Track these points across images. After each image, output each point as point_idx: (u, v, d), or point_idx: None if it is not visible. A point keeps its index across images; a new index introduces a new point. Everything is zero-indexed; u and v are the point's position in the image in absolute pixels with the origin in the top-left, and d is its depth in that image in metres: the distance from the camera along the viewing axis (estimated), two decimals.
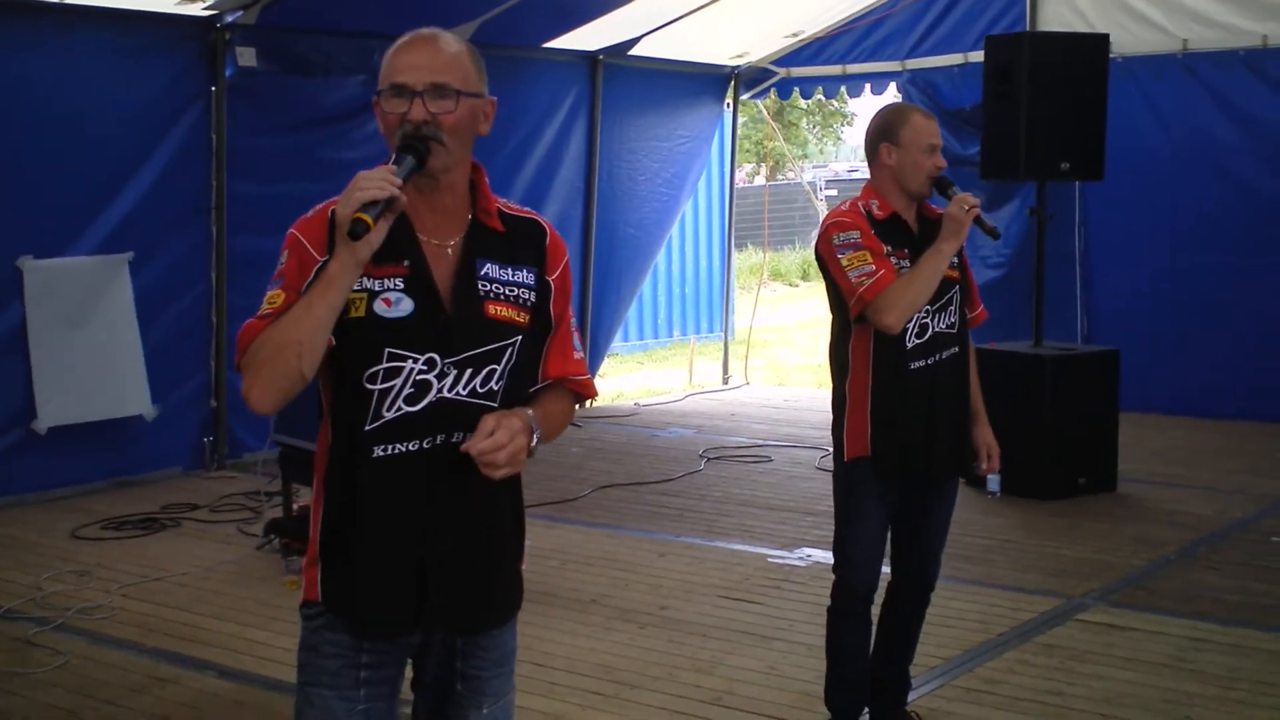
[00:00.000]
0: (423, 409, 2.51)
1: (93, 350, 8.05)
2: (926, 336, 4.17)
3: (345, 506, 2.55)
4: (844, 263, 4.10)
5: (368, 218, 2.37)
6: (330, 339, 2.45)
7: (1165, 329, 10.36)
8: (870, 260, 4.07)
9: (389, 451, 2.52)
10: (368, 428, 2.51)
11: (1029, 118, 8.05)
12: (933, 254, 4.10)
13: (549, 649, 5.35)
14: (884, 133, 4.20)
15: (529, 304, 2.62)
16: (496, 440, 2.43)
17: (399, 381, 2.50)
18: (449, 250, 2.58)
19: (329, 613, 2.58)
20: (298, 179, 8.87)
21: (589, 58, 10.97)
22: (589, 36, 10.47)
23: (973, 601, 6.00)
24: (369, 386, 2.50)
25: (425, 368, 2.50)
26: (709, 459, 9.22)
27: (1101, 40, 8.44)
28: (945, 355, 4.22)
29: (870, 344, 4.20)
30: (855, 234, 4.12)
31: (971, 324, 4.39)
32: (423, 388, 2.51)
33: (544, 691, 4.91)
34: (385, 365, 2.49)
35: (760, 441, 9.85)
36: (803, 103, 15.11)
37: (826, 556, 6.67)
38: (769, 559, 6.77)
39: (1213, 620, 5.76)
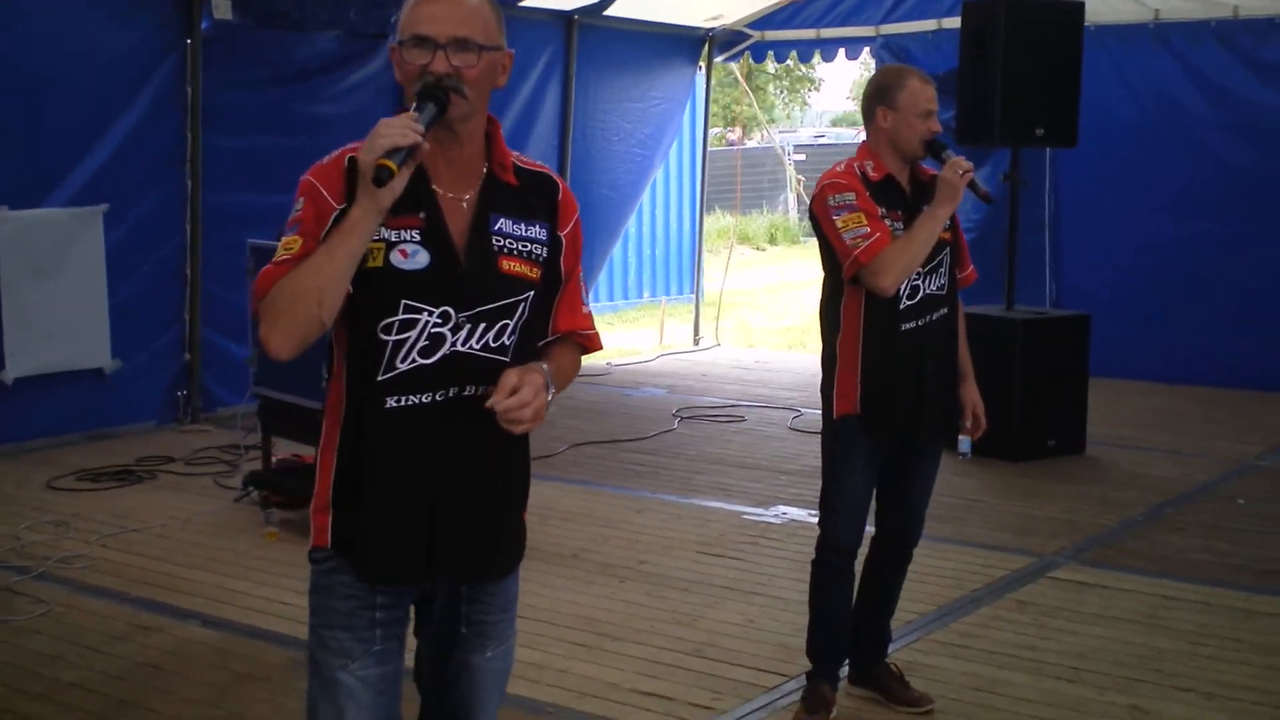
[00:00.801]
0: (436, 362, 2.53)
1: (62, 302, 8.03)
2: (918, 298, 4.21)
3: (357, 455, 2.57)
4: (839, 224, 4.14)
5: (392, 164, 2.36)
6: (349, 287, 2.46)
7: (1133, 295, 10.48)
8: (865, 222, 4.11)
9: (402, 403, 2.54)
10: (381, 378, 2.53)
11: (1004, 83, 8.10)
12: (927, 217, 4.14)
13: (531, 601, 5.37)
14: (880, 95, 4.23)
15: (541, 259, 2.64)
16: (522, 397, 2.45)
17: (414, 333, 2.51)
18: (464, 204, 2.59)
19: (339, 557, 2.60)
20: (273, 133, 8.88)
21: (564, 17, 10.95)
22: None
23: (946, 559, 6.09)
24: (384, 337, 2.51)
25: (440, 321, 2.52)
26: (682, 418, 9.29)
27: (1077, 8, 8.49)
28: (935, 317, 4.27)
29: (862, 304, 4.24)
30: (851, 195, 4.15)
31: (961, 284, 4.43)
32: (437, 340, 2.52)
33: (527, 643, 4.94)
34: (401, 317, 2.51)
35: (732, 401, 9.93)
36: (770, 67, 15.11)
37: (802, 514, 6.82)
38: (744, 516, 6.84)
39: (1180, 579, 5.87)
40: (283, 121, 8.85)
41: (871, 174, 4.22)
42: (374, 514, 2.58)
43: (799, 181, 15.93)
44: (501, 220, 2.60)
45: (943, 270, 4.29)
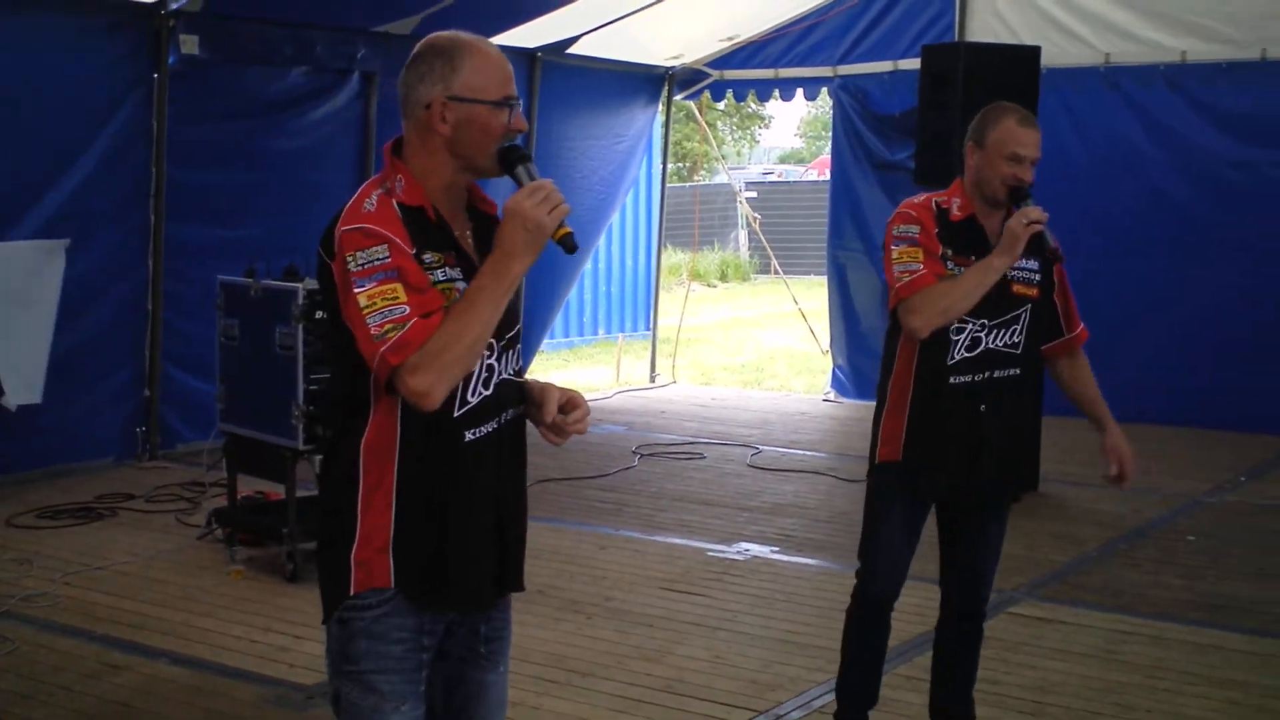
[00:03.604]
0: (494, 390, 2.70)
1: (33, 335, 7.96)
2: (977, 352, 3.99)
3: (441, 490, 2.65)
4: (894, 255, 3.94)
5: (571, 230, 2.60)
6: None
7: None
8: (920, 259, 3.90)
9: (478, 434, 2.68)
10: (457, 413, 2.65)
11: (963, 124, 8.19)
12: (981, 266, 3.90)
13: None
14: (974, 130, 3.99)
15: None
16: (585, 410, 2.73)
17: (477, 367, 2.65)
18: (469, 239, 2.73)
19: (398, 598, 2.65)
20: (238, 167, 8.92)
21: (527, 55, 11.04)
22: (528, 34, 10.55)
23: (907, 594, 6.02)
24: None
25: (488, 352, 2.67)
26: (642, 455, 9.35)
27: (1033, 52, 8.67)
28: (999, 375, 4.02)
29: (916, 347, 4.03)
30: (915, 229, 3.94)
31: (1072, 344, 4.27)
32: (491, 371, 2.69)
33: None
34: None
35: (691, 438, 10.00)
36: (719, 105, 15.25)
37: (764, 551, 6.92)
38: (708, 553, 6.90)
39: (1135, 614, 5.99)
40: (248, 156, 8.89)
41: (955, 212, 3.99)
42: (463, 543, 2.68)
43: (756, 219, 16.08)
44: None
45: (1018, 327, 4.03)
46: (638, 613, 5.92)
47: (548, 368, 14.27)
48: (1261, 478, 8.90)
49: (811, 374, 13.79)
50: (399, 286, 2.51)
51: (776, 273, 15.78)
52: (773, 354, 15.80)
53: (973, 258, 3.94)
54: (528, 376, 2.90)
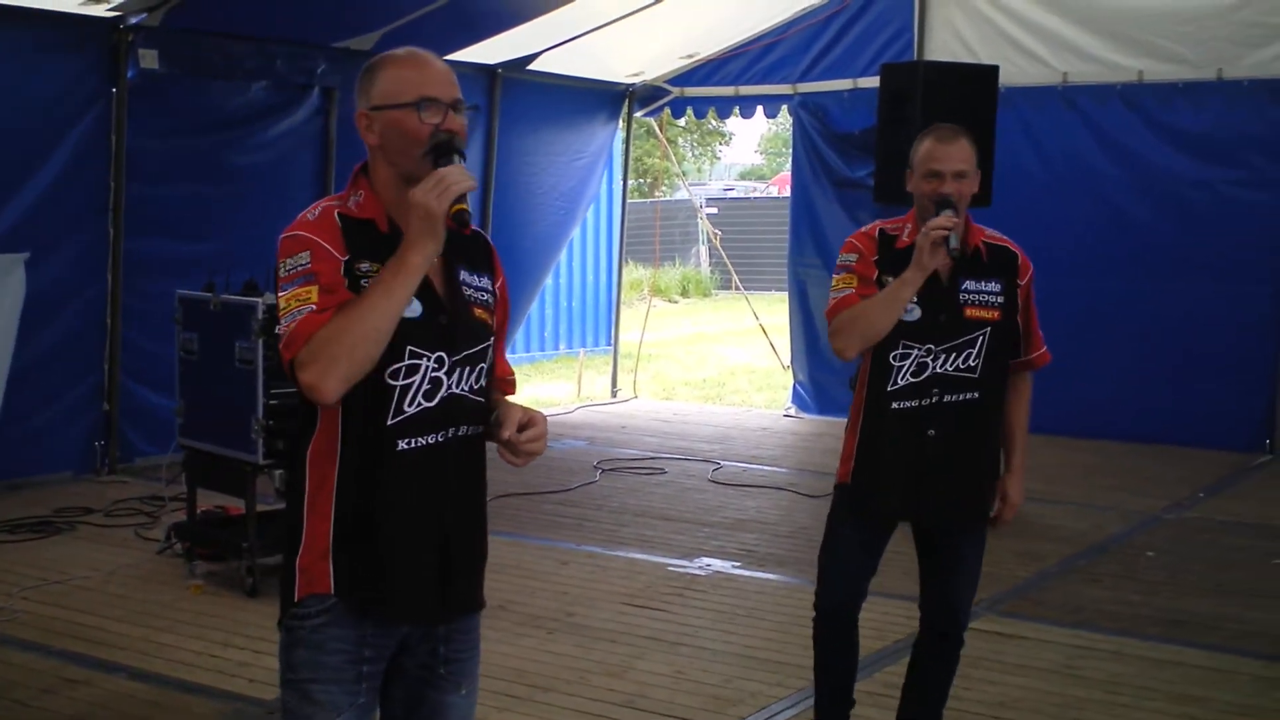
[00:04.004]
0: (438, 404, 2.68)
1: None
2: (923, 377, 3.96)
3: (369, 498, 2.66)
4: (833, 282, 4.00)
5: (467, 206, 2.58)
6: None
7: None
8: (854, 285, 3.95)
9: (413, 445, 2.66)
10: (390, 422, 2.64)
11: None
12: (896, 283, 3.88)
13: None
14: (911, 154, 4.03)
15: (491, 307, 2.82)
16: (541, 429, 2.70)
17: (417, 378, 2.65)
18: None
19: (337, 607, 2.66)
20: (197, 181, 8.87)
21: (488, 71, 11.05)
22: (489, 50, 10.56)
23: (868, 610, 6.06)
24: (390, 382, 2.63)
25: (436, 365, 2.67)
26: (603, 470, 9.35)
27: (991, 72, 8.75)
28: (951, 399, 3.99)
29: (868, 371, 4.05)
30: (853, 257, 4.00)
31: (1026, 366, 4.18)
32: (436, 384, 2.68)
33: None
34: (407, 363, 2.64)
35: (652, 454, 10.02)
36: (679, 122, 15.34)
37: (725, 566, 6.92)
38: (669, 568, 6.91)
39: (1095, 629, 6.02)
40: (207, 170, 8.85)
41: (903, 238, 3.99)
42: (395, 553, 2.68)
43: (716, 235, 16.14)
44: (462, 271, 2.76)
45: (973, 351, 3.98)
46: (599, 628, 5.92)
47: None
48: (1220, 494, 8.98)
49: (772, 389, 13.84)
50: (314, 290, 2.56)
51: (737, 288, 15.84)
52: (734, 369, 15.85)
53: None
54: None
